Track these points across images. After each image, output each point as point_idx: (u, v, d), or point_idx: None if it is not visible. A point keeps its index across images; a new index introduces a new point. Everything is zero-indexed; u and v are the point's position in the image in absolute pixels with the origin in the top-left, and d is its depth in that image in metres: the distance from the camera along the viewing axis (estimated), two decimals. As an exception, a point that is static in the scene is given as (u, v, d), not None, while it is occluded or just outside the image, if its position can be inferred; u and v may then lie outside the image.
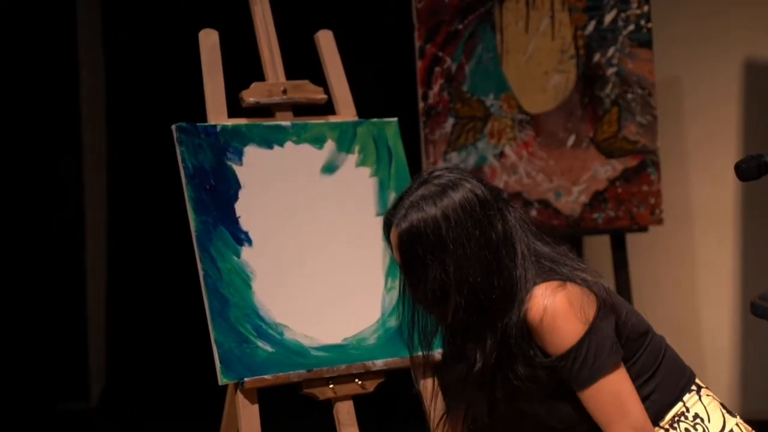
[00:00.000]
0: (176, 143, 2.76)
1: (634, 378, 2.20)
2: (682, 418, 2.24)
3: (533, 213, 3.96)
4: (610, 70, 4.03)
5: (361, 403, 2.81)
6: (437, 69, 3.94)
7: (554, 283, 2.16)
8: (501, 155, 3.97)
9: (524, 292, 2.16)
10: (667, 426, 2.23)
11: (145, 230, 4.91)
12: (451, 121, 3.94)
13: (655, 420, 2.22)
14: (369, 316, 2.87)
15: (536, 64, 4.02)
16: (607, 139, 4.02)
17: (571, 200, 3.99)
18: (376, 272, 2.92)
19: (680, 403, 2.25)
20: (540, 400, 2.21)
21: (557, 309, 2.13)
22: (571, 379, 2.15)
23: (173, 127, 2.78)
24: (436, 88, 3.94)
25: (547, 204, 3.97)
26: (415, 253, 2.17)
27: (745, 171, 2.38)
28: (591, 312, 2.14)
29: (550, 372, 2.17)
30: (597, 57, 4.02)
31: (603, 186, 4.00)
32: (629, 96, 4.03)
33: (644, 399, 2.21)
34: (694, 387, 2.28)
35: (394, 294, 2.88)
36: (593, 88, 4.02)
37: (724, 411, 2.27)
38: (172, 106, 3.56)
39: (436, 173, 2.24)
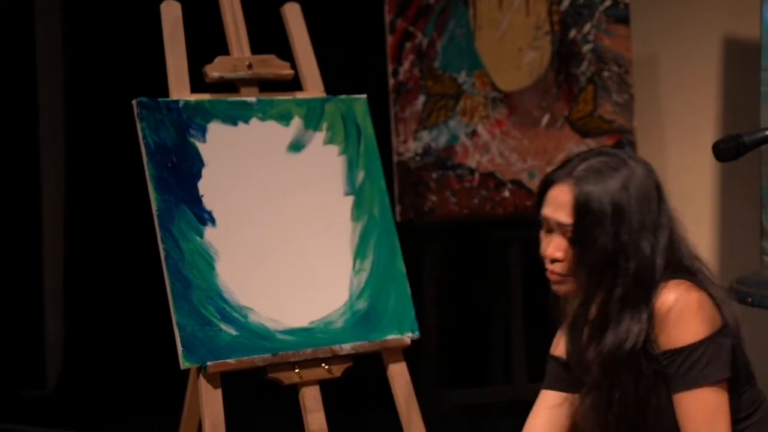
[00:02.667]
0: (137, 119, 2.72)
1: (732, 411, 2.17)
2: None
3: (506, 194, 3.92)
4: (586, 47, 3.99)
5: (327, 388, 2.77)
6: (408, 45, 3.90)
7: (689, 283, 2.15)
8: (473, 134, 3.93)
9: (661, 280, 2.15)
10: None
11: (105, 210, 4.85)
12: (422, 98, 3.90)
13: None
14: (336, 298, 2.84)
15: (510, 40, 3.98)
16: (582, 118, 4.00)
17: (545, 181, 3.95)
18: (345, 253, 2.88)
19: None
20: (635, 394, 2.17)
21: (688, 304, 2.11)
22: (674, 377, 2.12)
23: (134, 102, 2.73)
24: (406, 65, 3.90)
25: (521, 185, 3.95)
26: (592, 218, 2.15)
27: (723, 151, 2.37)
28: (717, 324, 2.14)
29: (652, 366, 2.14)
30: (573, 33, 3.99)
31: (578, 166, 3.97)
32: (605, 74, 4.00)
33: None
34: None
35: (363, 276, 2.86)
36: (568, 66, 3.99)
37: None
38: (133, 81, 3.48)
39: (609, 149, 2.27)
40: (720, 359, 2.11)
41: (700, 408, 2.10)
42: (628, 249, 2.13)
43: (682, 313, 2.10)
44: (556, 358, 2.35)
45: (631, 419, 2.17)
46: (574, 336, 2.30)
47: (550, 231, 2.23)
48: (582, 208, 2.15)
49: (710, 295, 2.16)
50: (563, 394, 2.33)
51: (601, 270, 2.16)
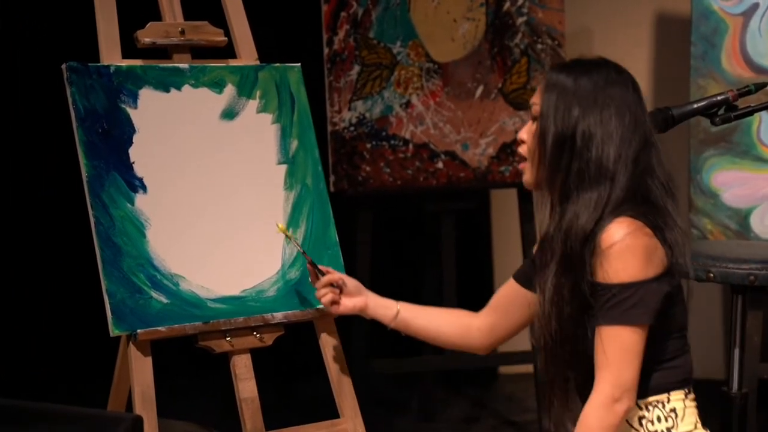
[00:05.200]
0: (66, 84, 2.68)
1: (655, 352, 2.23)
2: (660, 406, 2.26)
3: (440, 165, 3.93)
4: (520, 19, 4.01)
5: (259, 357, 2.77)
6: (343, 14, 3.88)
7: (643, 226, 2.16)
8: (407, 105, 3.94)
9: (618, 208, 2.16)
10: (643, 405, 2.25)
11: (33, 175, 4.78)
12: (356, 68, 3.89)
13: (639, 395, 2.24)
14: (268, 267, 2.83)
15: (445, 11, 3.98)
16: (515, 90, 4.02)
17: (479, 152, 3.98)
18: (277, 222, 2.85)
19: (666, 394, 2.26)
20: (550, 317, 2.23)
21: (632, 246, 2.13)
22: (599, 310, 2.16)
23: (63, 66, 2.69)
24: (341, 34, 3.88)
25: (454, 156, 3.96)
26: (558, 95, 2.21)
27: (653, 124, 2.40)
28: (658, 270, 2.17)
29: (587, 287, 2.17)
30: (507, 5, 4.00)
31: (511, 138, 4.00)
32: (539, 46, 4.02)
33: (646, 372, 2.22)
34: (686, 390, 2.30)
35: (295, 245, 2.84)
36: (503, 38, 4.00)
37: (699, 422, 2.30)
38: (63, 45, 3.43)
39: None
40: (647, 305, 2.15)
41: (616, 345, 2.14)
42: (590, 137, 2.17)
43: (622, 253, 2.13)
44: (532, 258, 2.42)
45: (563, 336, 2.23)
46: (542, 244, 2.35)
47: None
48: (551, 86, 2.22)
49: (664, 240, 2.18)
50: (522, 289, 2.45)
51: (559, 149, 2.20)
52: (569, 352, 2.23)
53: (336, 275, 2.63)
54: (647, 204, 2.21)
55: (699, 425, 2.29)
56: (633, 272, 2.14)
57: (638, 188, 2.21)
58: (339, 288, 2.63)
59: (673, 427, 2.24)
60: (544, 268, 2.26)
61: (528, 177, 2.31)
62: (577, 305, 2.19)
